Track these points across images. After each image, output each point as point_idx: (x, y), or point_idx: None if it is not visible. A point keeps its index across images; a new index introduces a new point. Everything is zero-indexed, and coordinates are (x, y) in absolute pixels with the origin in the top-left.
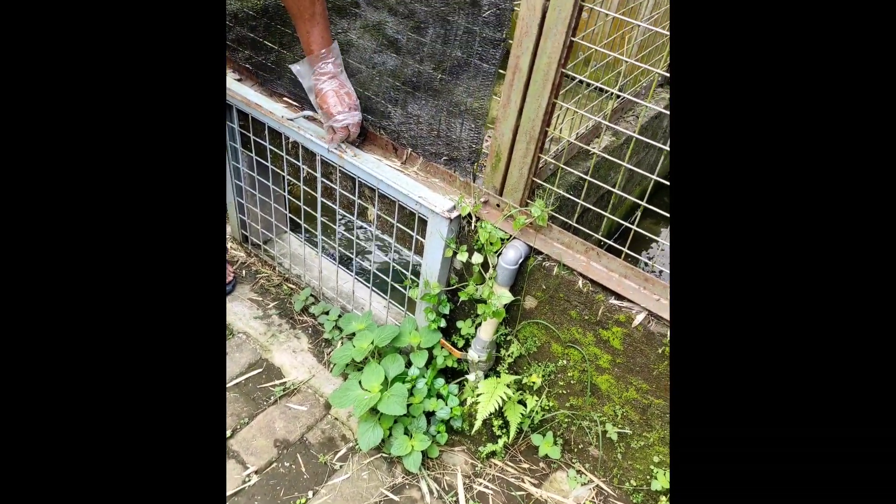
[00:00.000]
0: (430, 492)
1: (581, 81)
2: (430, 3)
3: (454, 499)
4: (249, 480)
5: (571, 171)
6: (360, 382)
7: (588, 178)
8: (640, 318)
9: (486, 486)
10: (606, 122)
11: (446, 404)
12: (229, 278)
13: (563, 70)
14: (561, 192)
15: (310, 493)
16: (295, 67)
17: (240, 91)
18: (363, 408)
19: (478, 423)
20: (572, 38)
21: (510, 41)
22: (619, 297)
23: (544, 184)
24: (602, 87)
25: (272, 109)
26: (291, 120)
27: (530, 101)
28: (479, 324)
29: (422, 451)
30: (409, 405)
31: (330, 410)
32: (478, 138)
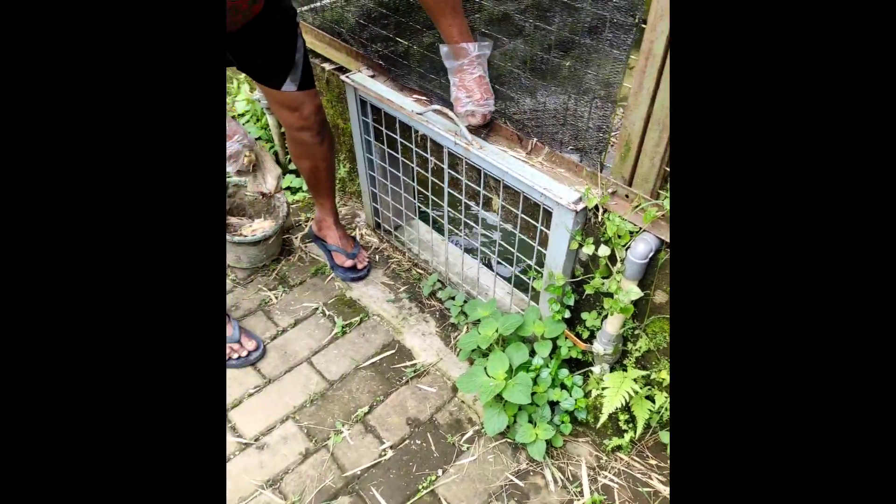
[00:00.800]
0: (555, 480)
1: None
2: None
3: (578, 489)
4: (385, 455)
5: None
6: (485, 369)
7: None
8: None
9: (612, 480)
10: None
11: (570, 395)
12: (363, 264)
13: None
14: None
15: (439, 472)
16: (443, 49)
17: (373, 87)
18: (489, 395)
19: (603, 417)
20: None
21: (643, 25)
22: None
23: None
24: None
25: (403, 104)
26: (421, 114)
27: (664, 87)
28: (606, 317)
29: (546, 440)
30: (532, 394)
31: (457, 393)
32: (606, 127)
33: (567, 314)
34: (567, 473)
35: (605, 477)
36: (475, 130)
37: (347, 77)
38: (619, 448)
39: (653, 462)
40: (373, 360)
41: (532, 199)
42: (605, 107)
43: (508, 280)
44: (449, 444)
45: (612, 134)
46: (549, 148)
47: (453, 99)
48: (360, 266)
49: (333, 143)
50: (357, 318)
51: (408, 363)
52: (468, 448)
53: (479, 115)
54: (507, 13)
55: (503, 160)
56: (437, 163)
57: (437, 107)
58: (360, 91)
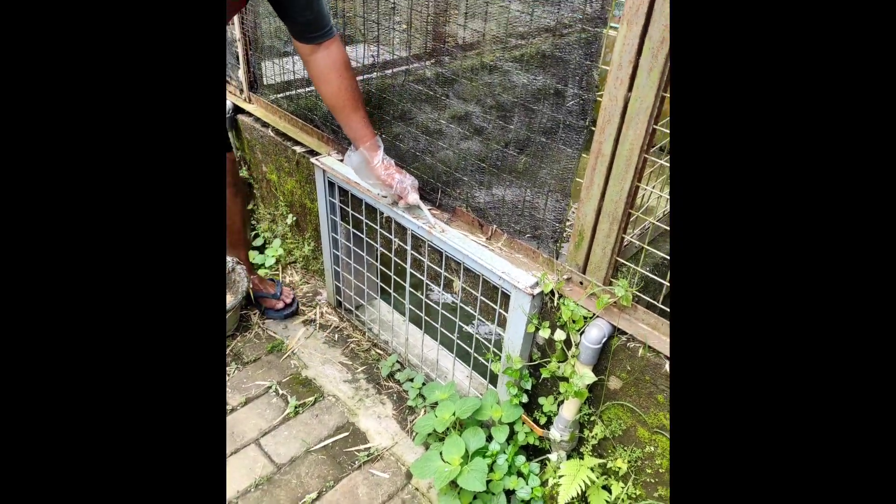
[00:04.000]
0: None
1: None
2: (516, 94)
3: None
4: None
5: (654, 251)
6: (440, 454)
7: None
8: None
9: None
10: None
11: (527, 483)
12: (290, 299)
13: (646, 155)
14: (645, 272)
15: None
16: (349, 155)
17: (341, 170)
18: (443, 480)
19: None
20: (654, 126)
21: (592, 128)
22: None
23: (628, 263)
24: None
25: (369, 188)
26: (385, 197)
27: (613, 183)
28: (562, 402)
29: None
30: (488, 481)
31: (411, 480)
32: (561, 217)
33: (524, 398)
34: None
35: None
36: (437, 215)
37: (317, 160)
38: None
39: None
40: (325, 442)
41: (491, 283)
42: (559, 200)
43: (467, 363)
44: None
45: (568, 224)
46: (508, 235)
47: (395, 187)
48: (287, 301)
49: (246, 199)
50: (311, 398)
51: (361, 447)
52: None
53: (416, 190)
54: (468, 112)
55: (464, 244)
56: (401, 244)
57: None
58: (329, 173)
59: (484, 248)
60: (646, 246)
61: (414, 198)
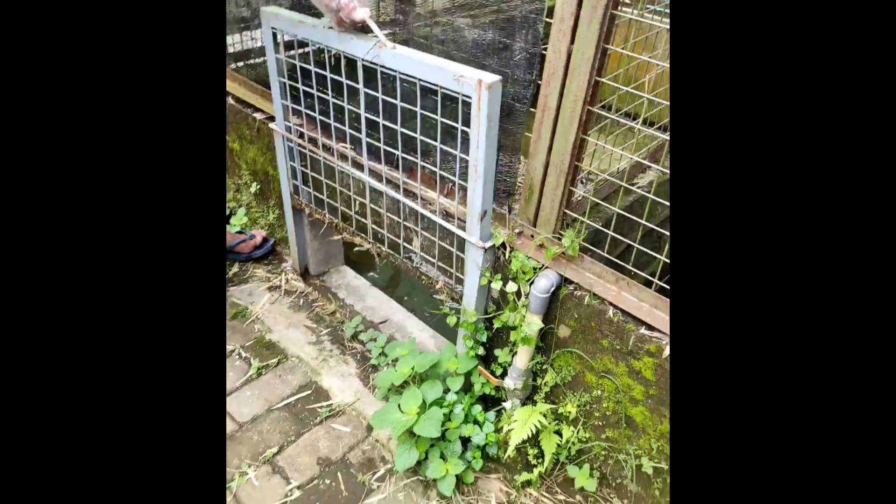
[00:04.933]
0: None
1: (614, 119)
2: (466, 50)
3: None
4: (291, 495)
5: (607, 206)
6: (399, 405)
7: (623, 212)
8: (669, 348)
9: None
10: (637, 158)
11: (482, 430)
12: (259, 240)
13: (590, 108)
14: (593, 224)
15: None
16: None
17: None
18: (400, 429)
19: (510, 449)
20: (597, 78)
21: (539, 82)
22: (650, 327)
23: (576, 215)
24: (625, 122)
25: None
26: (331, 28)
27: (559, 137)
28: (515, 352)
29: (456, 476)
30: (445, 430)
31: (372, 432)
32: (512, 173)
33: (481, 350)
34: None
35: None
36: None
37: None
38: (528, 483)
39: (561, 497)
40: (287, 400)
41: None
42: (510, 154)
43: (434, 327)
44: (359, 482)
45: (519, 180)
46: (463, 192)
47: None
48: (258, 242)
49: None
50: (275, 360)
51: (324, 403)
52: (378, 486)
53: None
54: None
55: (418, 58)
56: (360, 200)
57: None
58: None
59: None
60: (591, 198)
61: (363, 12)
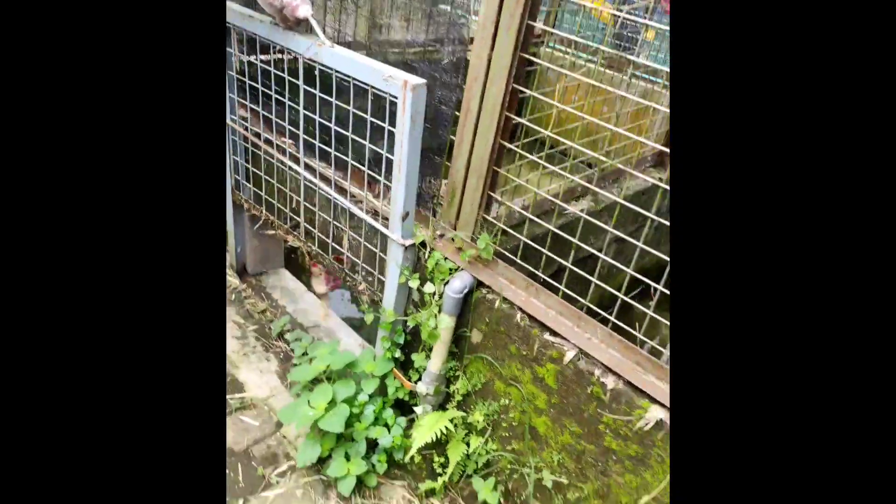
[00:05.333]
0: None
1: (555, 150)
2: (402, 54)
3: None
4: None
5: (541, 223)
6: (308, 401)
7: (558, 230)
8: (570, 354)
9: None
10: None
11: (390, 434)
12: None
13: (507, 113)
14: (512, 231)
15: (240, 501)
16: None
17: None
18: (304, 423)
19: (412, 451)
20: (514, 86)
21: (462, 85)
22: (554, 332)
23: (493, 220)
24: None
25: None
26: (277, 25)
27: (479, 140)
28: (430, 356)
29: (358, 477)
30: (352, 430)
31: (281, 429)
32: (437, 174)
33: (398, 353)
34: None
35: None
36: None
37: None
38: (432, 493)
39: None
40: None
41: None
42: (435, 157)
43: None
44: (258, 475)
45: (444, 183)
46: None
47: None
48: None
49: None
50: None
51: (236, 395)
52: (278, 482)
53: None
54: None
55: (353, 57)
56: (296, 197)
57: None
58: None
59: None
60: (510, 204)
61: (305, 9)
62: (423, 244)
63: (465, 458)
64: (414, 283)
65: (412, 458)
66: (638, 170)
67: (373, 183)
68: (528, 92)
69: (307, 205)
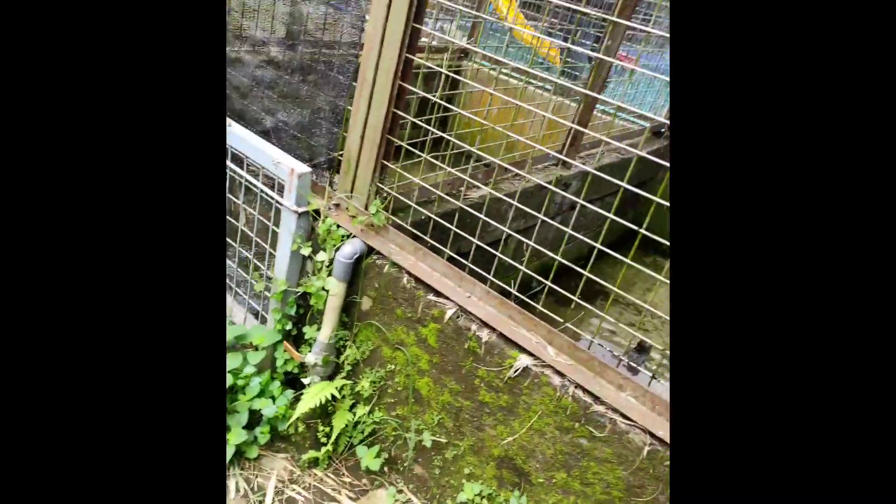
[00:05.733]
0: (237, 489)
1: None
2: (303, 23)
3: (261, 499)
4: None
5: (452, 200)
6: None
7: (472, 209)
8: (450, 312)
9: (299, 493)
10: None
11: (275, 405)
12: None
13: (401, 83)
14: (400, 196)
15: None
16: None
17: None
18: None
19: (294, 418)
20: (407, 55)
21: (359, 53)
22: (437, 293)
23: (386, 188)
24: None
25: None
26: None
27: (374, 110)
28: (320, 328)
29: (237, 448)
30: (235, 401)
31: None
32: (333, 144)
33: (290, 326)
34: (253, 484)
35: (294, 490)
36: None
37: None
38: (315, 463)
39: (347, 479)
40: None
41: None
42: (332, 126)
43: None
44: None
45: (340, 154)
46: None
47: None
48: None
49: None
50: None
51: None
52: None
53: None
54: (266, 41)
55: (249, 139)
56: None
57: None
58: None
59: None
60: (398, 168)
61: None
62: (317, 213)
63: (351, 427)
64: (306, 251)
65: (296, 428)
66: (540, 165)
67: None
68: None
69: None
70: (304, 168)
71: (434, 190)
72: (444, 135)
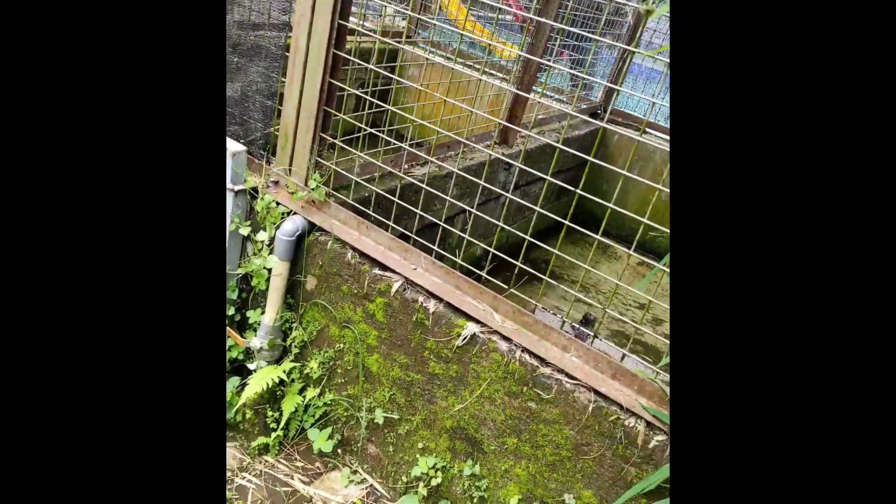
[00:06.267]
0: None
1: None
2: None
3: None
4: None
5: (396, 173)
6: None
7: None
8: (397, 285)
9: (250, 481)
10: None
11: None
12: None
13: (336, 51)
14: (341, 170)
15: None
16: None
17: None
18: None
19: (239, 403)
20: (340, 21)
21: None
22: (383, 266)
23: (325, 162)
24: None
25: None
26: None
27: (308, 79)
28: (264, 311)
29: None
30: None
31: None
32: (269, 119)
33: (232, 311)
34: None
35: (244, 478)
36: None
37: None
38: (266, 449)
39: (299, 464)
40: None
41: None
42: (265, 99)
43: None
44: None
45: (276, 129)
46: None
47: None
48: None
49: None
50: None
51: None
52: None
53: None
54: None
55: None
56: None
57: None
58: None
59: None
60: (348, 148)
61: None
62: (255, 191)
63: (302, 410)
64: (245, 231)
65: (244, 415)
66: (482, 144)
67: None
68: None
69: None
70: (237, 146)
71: (376, 162)
72: (386, 106)
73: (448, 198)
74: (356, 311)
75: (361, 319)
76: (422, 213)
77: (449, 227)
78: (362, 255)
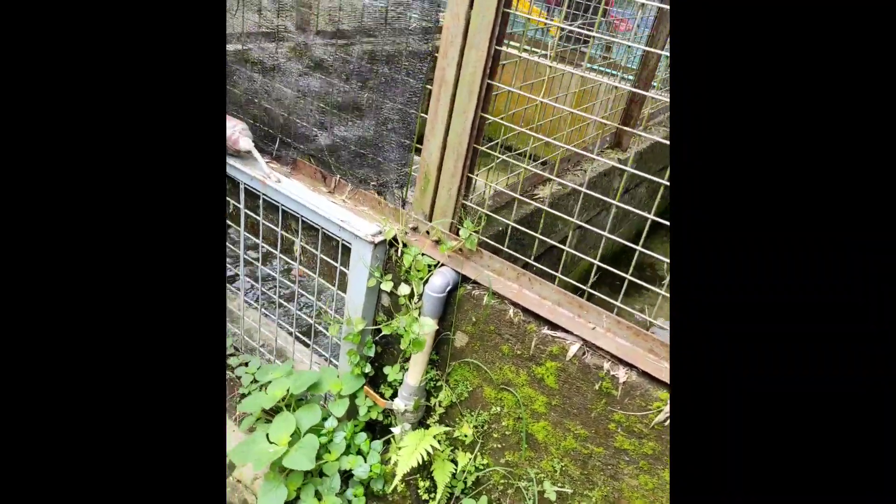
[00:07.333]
0: None
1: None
2: (357, 20)
3: None
4: None
5: (529, 202)
6: (267, 435)
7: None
8: (574, 349)
9: None
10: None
11: (366, 462)
12: None
13: (490, 81)
14: (494, 216)
15: None
16: None
17: None
18: (265, 462)
19: (396, 481)
20: (497, 48)
21: (437, 55)
22: (553, 326)
23: (478, 208)
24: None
25: None
26: None
27: (457, 115)
28: (407, 368)
29: None
30: (322, 462)
31: (233, 472)
32: (405, 159)
33: (368, 368)
34: None
35: None
36: (276, 168)
37: None
38: None
39: None
40: None
41: (332, 236)
42: (403, 137)
43: (307, 337)
44: None
45: (414, 168)
46: (352, 186)
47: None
48: None
49: None
50: None
51: None
52: None
53: (248, 135)
54: (309, 42)
55: (302, 194)
56: (234, 203)
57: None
58: None
59: (325, 199)
60: (490, 184)
61: (246, 143)
62: (394, 240)
63: (452, 478)
64: (387, 286)
65: (395, 487)
66: (596, 153)
67: (331, 177)
68: (502, 87)
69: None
70: (376, 234)
71: (506, 191)
72: (517, 128)
73: (573, 220)
74: (518, 374)
75: (525, 383)
76: (542, 238)
77: (574, 252)
78: (525, 311)
